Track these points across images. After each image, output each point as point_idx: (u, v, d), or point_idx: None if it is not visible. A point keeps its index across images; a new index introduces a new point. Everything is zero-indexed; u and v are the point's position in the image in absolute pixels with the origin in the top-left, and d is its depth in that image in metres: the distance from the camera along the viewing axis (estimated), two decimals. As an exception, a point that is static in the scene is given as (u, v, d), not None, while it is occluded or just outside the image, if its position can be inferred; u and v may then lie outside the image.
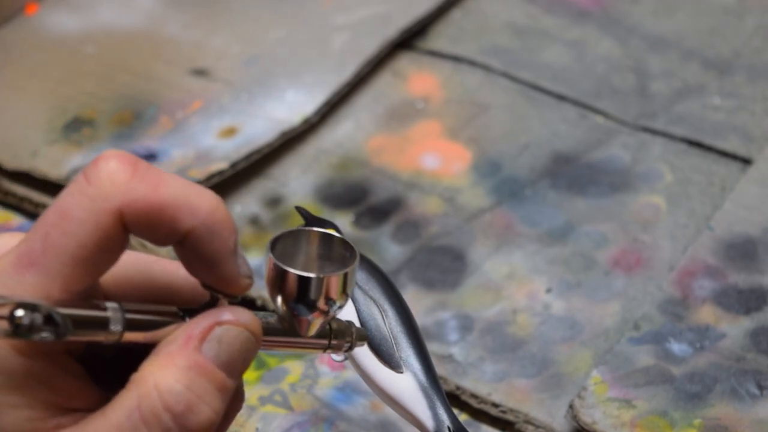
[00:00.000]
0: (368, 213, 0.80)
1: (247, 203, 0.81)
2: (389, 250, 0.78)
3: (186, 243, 0.46)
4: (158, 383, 0.45)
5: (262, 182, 0.82)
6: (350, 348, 0.53)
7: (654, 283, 0.75)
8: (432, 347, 0.70)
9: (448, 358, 0.71)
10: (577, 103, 0.87)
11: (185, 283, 0.49)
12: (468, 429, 0.58)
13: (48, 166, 0.81)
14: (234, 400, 0.50)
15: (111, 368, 0.49)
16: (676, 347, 0.70)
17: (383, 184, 0.82)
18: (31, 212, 0.81)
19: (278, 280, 0.48)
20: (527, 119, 0.86)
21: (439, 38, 0.92)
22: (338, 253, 0.50)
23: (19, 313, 0.42)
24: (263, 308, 0.75)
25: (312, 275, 0.48)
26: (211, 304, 0.48)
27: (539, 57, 0.90)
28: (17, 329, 0.42)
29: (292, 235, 0.50)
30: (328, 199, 0.81)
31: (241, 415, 0.69)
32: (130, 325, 0.46)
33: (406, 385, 0.58)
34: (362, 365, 0.58)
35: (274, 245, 0.49)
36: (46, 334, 0.43)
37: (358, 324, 0.58)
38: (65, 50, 0.91)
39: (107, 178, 0.45)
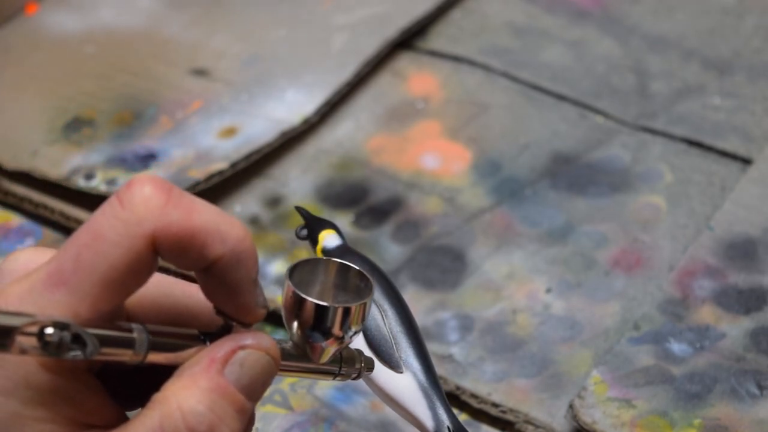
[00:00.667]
0: (368, 213, 0.80)
1: (247, 203, 0.81)
2: (389, 250, 0.78)
3: (213, 270, 0.46)
4: (181, 404, 0.46)
5: (262, 182, 0.82)
6: (358, 376, 0.54)
7: (654, 283, 0.75)
8: (432, 347, 0.70)
9: (448, 358, 0.71)
10: (577, 103, 0.87)
11: (204, 306, 0.49)
12: (468, 429, 0.58)
13: (48, 166, 0.81)
14: (248, 422, 0.50)
15: (126, 384, 0.49)
16: (676, 347, 0.70)
17: (383, 184, 0.82)
18: (31, 212, 0.81)
19: (296, 308, 0.49)
20: (527, 119, 0.86)
21: (439, 38, 0.92)
22: (354, 283, 0.51)
23: (49, 331, 0.43)
24: (274, 313, 0.75)
25: (330, 305, 0.49)
26: (227, 328, 0.49)
27: (539, 57, 0.90)
28: (46, 347, 0.43)
29: (310, 263, 0.51)
30: (328, 199, 0.81)
31: (241, 415, 0.69)
32: (154, 347, 0.46)
33: (405, 385, 0.58)
34: (362, 365, 0.59)
35: (292, 272, 0.49)
36: (74, 353, 0.43)
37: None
38: (65, 50, 0.91)
39: (141, 203, 0.45)
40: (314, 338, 0.50)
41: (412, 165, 0.83)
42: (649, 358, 0.70)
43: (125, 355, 0.46)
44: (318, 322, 0.49)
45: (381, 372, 0.58)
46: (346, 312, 0.49)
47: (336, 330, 0.49)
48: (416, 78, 0.89)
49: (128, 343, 0.45)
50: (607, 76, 0.88)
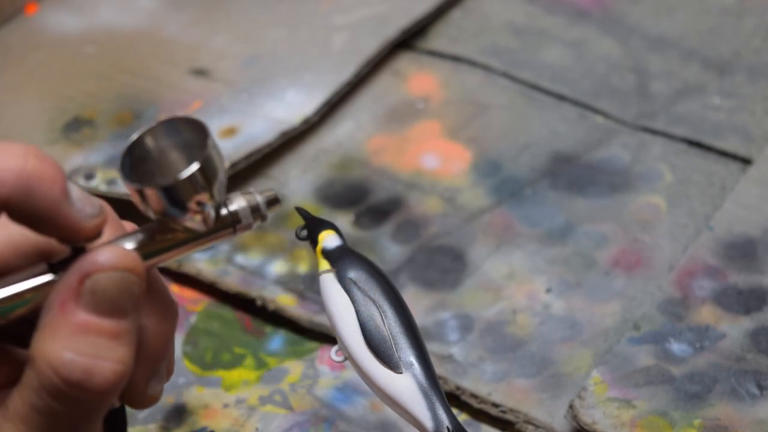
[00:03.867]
0: (368, 213, 0.80)
1: (247, 203, 0.81)
2: (389, 250, 0.78)
3: (10, 212, 0.44)
4: (48, 359, 0.44)
5: (262, 182, 0.82)
6: (262, 217, 0.49)
7: (654, 283, 0.75)
8: (432, 347, 0.70)
9: (448, 358, 0.71)
10: (577, 103, 0.87)
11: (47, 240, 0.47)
12: (468, 429, 0.58)
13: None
14: (162, 316, 0.48)
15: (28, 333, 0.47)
16: (676, 347, 0.70)
17: (383, 184, 0.82)
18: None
19: (142, 201, 0.46)
20: (527, 119, 0.86)
21: (439, 38, 0.92)
22: (189, 134, 0.48)
23: None
24: (263, 308, 0.75)
25: (170, 182, 0.45)
26: (79, 249, 0.46)
27: (539, 57, 0.90)
28: None
29: (137, 145, 0.47)
30: (328, 199, 0.81)
31: (241, 415, 0.69)
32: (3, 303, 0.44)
33: (405, 385, 0.58)
34: (361, 365, 0.59)
35: (124, 164, 0.46)
36: None
37: (356, 324, 0.58)
38: (65, 50, 0.91)
39: None
40: (178, 215, 0.46)
41: (412, 165, 0.83)
42: (649, 358, 0.70)
43: None
44: (172, 203, 0.46)
45: (380, 372, 0.58)
46: (194, 176, 0.45)
47: (196, 197, 0.46)
48: (416, 78, 0.89)
49: None
50: (607, 76, 0.88)
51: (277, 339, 0.74)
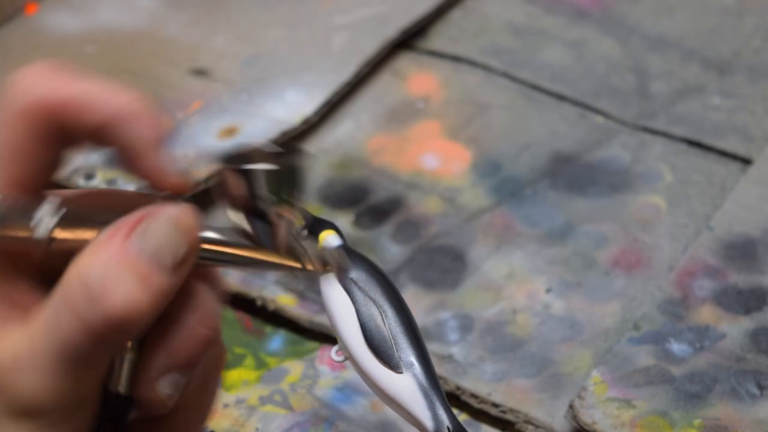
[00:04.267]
0: (368, 213, 0.80)
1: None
2: (389, 250, 0.78)
3: (105, 139, 0.46)
4: (80, 271, 0.45)
5: (262, 182, 0.82)
6: (325, 266, 0.50)
7: (654, 283, 0.75)
8: (432, 347, 0.70)
9: (448, 358, 0.71)
10: (577, 103, 0.87)
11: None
12: (468, 429, 0.58)
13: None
14: (201, 323, 0.48)
15: None
16: (676, 347, 0.70)
17: (383, 184, 0.82)
18: (31, 212, 0.81)
19: (231, 186, 0.47)
20: (527, 119, 0.86)
21: (439, 38, 0.92)
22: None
23: None
24: (263, 308, 0.75)
25: (261, 167, 0.47)
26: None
27: (539, 57, 0.90)
28: None
29: (244, 152, 0.48)
30: (328, 199, 0.81)
31: (241, 415, 0.69)
32: (67, 221, 0.46)
33: (405, 385, 0.58)
34: (361, 365, 0.58)
35: (224, 154, 0.48)
36: None
37: (357, 324, 0.58)
38: (65, 50, 0.91)
39: (18, 82, 0.46)
40: (259, 209, 0.48)
41: (412, 165, 0.83)
42: (649, 358, 0.70)
43: (27, 232, 0.45)
44: (256, 190, 0.47)
45: (380, 372, 0.58)
46: (283, 173, 0.47)
47: (280, 194, 0.47)
48: (416, 78, 0.89)
49: (31, 215, 0.46)
50: (607, 76, 0.88)
51: (277, 339, 0.74)
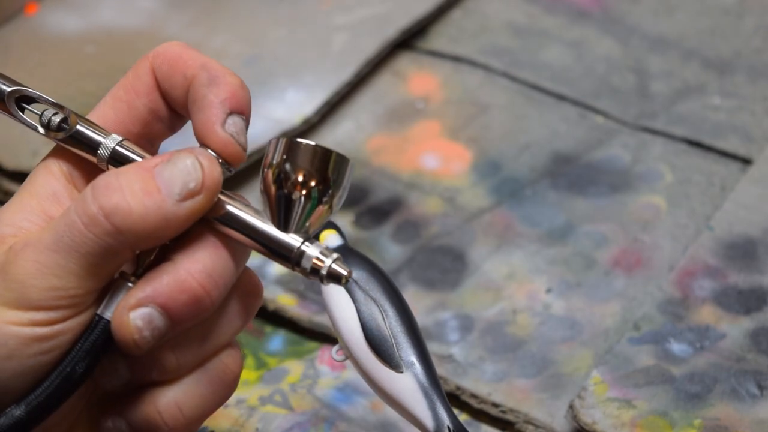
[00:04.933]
0: (368, 213, 0.80)
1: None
2: (389, 250, 0.78)
3: (190, 92, 0.52)
4: (102, 175, 0.50)
5: (262, 182, 0.82)
6: (320, 278, 0.51)
7: (654, 283, 0.75)
8: (432, 347, 0.70)
9: (448, 358, 0.71)
10: (577, 103, 0.87)
11: None
12: (468, 429, 0.58)
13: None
14: (247, 294, 0.53)
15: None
16: (676, 347, 0.70)
17: (383, 184, 0.82)
18: (31, 212, 0.81)
19: (274, 154, 0.52)
20: (527, 119, 0.86)
21: (439, 38, 0.92)
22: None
23: (47, 113, 0.55)
24: (263, 308, 0.75)
25: (309, 143, 0.51)
26: None
27: (539, 57, 0.90)
28: (41, 121, 0.55)
29: (289, 144, 0.52)
30: (328, 199, 0.81)
31: (241, 415, 0.69)
32: (118, 154, 0.52)
33: (405, 384, 0.58)
34: (362, 365, 0.59)
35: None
36: (57, 132, 0.54)
37: (357, 324, 0.58)
38: (65, 50, 0.91)
39: (162, 46, 0.55)
40: (288, 174, 0.51)
41: (412, 165, 0.83)
42: (649, 358, 0.70)
43: (92, 148, 0.53)
44: (295, 159, 0.51)
45: (381, 372, 0.58)
46: (322, 156, 0.51)
47: (314, 175, 0.51)
48: (416, 78, 0.89)
49: (96, 144, 0.53)
50: (607, 76, 0.88)
51: (277, 339, 0.74)
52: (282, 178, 0.51)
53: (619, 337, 0.72)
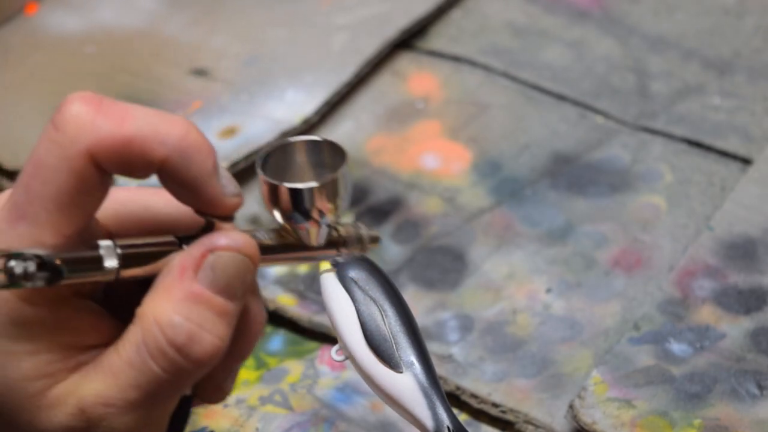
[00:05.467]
0: (368, 213, 0.80)
1: (247, 203, 0.81)
2: (389, 250, 0.78)
3: (164, 173, 0.47)
4: (157, 318, 0.47)
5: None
6: (363, 248, 0.54)
7: (654, 283, 0.75)
8: (432, 347, 0.70)
9: (448, 358, 0.71)
10: (577, 103, 0.87)
11: (185, 211, 0.50)
12: (468, 429, 0.58)
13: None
14: (250, 323, 0.50)
15: (132, 301, 0.49)
16: (676, 347, 0.70)
17: (383, 184, 0.82)
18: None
19: (272, 196, 0.50)
20: (527, 119, 0.86)
21: (439, 38, 0.92)
22: (328, 156, 0.52)
23: (12, 263, 0.44)
24: (274, 313, 0.75)
25: (302, 186, 0.49)
26: (208, 228, 0.49)
27: (539, 57, 0.90)
28: (12, 279, 0.44)
29: (281, 148, 0.51)
30: (328, 199, 0.81)
31: (241, 415, 0.69)
32: (127, 260, 0.47)
33: (405, 385, 0.58)
34: (362, 365, 0.59)
35: (264, 161, 0.50)
36: (40, 281, 0.44)
37: (357, 324, 0.58)
38: (65, 50, 0.91)
39: (72, 121, 0.46)
40: (297, 220, 0.50)
41: (412, 165, 0.83)
42: (649, 358, 0.70)
43: (97, 275, 0.46)
44: (296, 205, 0.50)
45: (381, 372, 0.58)
46: (322, 188, 0.50)
47: (319, 206, 0.50)
48: (416, 78, 0.89)
49: (96, 261, 0.46)
50: (607, 76, 0.88)
51: (277, 339, 0.74)
52: (296, 220, 0.51)
53: (619, 337, 0.72)
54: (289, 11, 0.93)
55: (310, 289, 0.75)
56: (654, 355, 0.70)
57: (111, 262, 0.46)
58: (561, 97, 0.87)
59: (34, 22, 0.93)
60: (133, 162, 0.46)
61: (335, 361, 0.60)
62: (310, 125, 0.85)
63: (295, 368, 0.72)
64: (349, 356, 0.59)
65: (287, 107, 0.85)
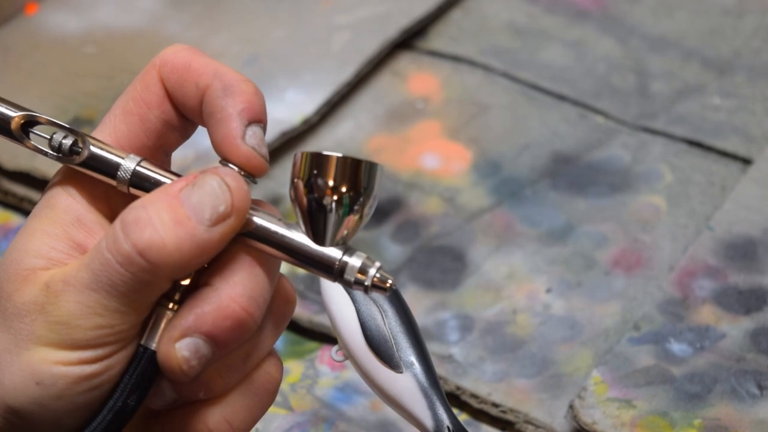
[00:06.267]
0: (368, 213, 0.80)
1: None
2: (389, 250, 0.78)
3: (205, 104, 0.51)
4: (123, 214, 0.49)
5: (262, 182, 0.82)
6: (365, 288, 0.50)
7: (654, 283, 0.75)
8: (432, 347, 0.70)
9: (448, 358, 0.71)
10: (577, 103, 0.87)
11: None
12: (468, 429, 0.58)
13: (48, 166, 0.81)
14: (283, 303, 0.52)
15: None
16: (676, 347, 0.70)
17: (383, 184, 0.82)
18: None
19: (303, 166, 0.50)
20: (527, 119, 0.86)
21: (439, 38, 0.92)
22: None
23: (57, 136, 0.52)
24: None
25: (337, 154, 0.50)
26: None
27: (539, 57, 0.90)
28: (50, 145, 0.52)
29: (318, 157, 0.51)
30: (328, 199, 0.81)
31: (241, 415, 0.69)
32: (138, 176, 0.51)
33: (405, 385, 0.58)
34: (362, 365, 0.59)
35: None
36: (68, 158, 0.52)
37: (357, 324, 0.58)
38: (65, 50, 0.91)
39: (166, 51, 0.53)
40: (320, 191, 0.50)
41: (412, 165, 0.83)
42: (649, 358, 0.70)
43: (109, 178, 0.51)
44: (325, 175, 0.50)
45: (381, 372, 0.58)
46: (353, 167, 0.50)
47: (343, 187, 0.50)
48: (416, 78, 0.89)
49: (115, 166, 0.51)
50: (607, 76, 0.88)
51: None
52: (314, 189, 0.50)
53: (619, 337, 0.72)
54: (289, 11, 0.93)
55: (310, 289, 0.75)
56: (654, 355, 0.70)
57: (126, 171, 0.51)
58: (561, 97, 0.87)
59: (34, 22, 0.93)
60: (185, 83, 0.51)
61: (335, 361, 0.60)
62: (310, 125, 0.85)
63: (295, 368, 0.72)
64: (349, 356, 0.59)
65: (287, 107, 0.85)
